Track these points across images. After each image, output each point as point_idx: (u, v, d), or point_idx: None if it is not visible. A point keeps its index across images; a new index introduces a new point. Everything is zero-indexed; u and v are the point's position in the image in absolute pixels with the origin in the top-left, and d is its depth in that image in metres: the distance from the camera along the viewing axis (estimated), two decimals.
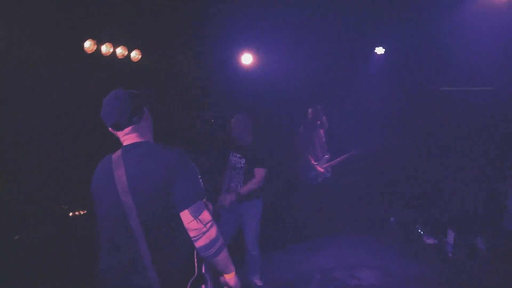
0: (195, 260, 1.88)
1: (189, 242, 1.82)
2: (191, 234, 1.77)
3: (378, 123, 6.79)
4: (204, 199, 1.87)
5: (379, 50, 6.60)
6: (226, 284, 1.94)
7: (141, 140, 1.94)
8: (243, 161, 4.06)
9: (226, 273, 1.92)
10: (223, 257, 1.83)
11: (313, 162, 5.87)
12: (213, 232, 1.78)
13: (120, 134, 1.96)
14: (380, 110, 6.84)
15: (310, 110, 5.98)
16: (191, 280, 1.82)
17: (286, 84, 6.69)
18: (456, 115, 6.52)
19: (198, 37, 5.84)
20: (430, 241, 5.75)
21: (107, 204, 1.87)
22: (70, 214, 4.21)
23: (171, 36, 5.51)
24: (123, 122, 1.90)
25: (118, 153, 1.93)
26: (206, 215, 1.78)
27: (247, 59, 6.45)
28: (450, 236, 5.44)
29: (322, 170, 5.94)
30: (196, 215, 1.75)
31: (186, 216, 1.76)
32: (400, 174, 7.01)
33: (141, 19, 4.98)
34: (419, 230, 6.02)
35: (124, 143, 1.95)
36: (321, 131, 6.08)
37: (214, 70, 6.36)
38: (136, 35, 5.13)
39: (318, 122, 5.99)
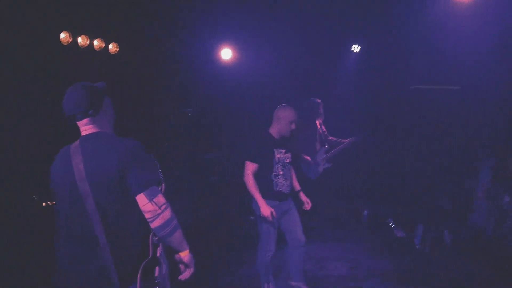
0: (150, 243, 1.97)
1: (144, 226, 1.92)
2: (147, 215, 1.87)
3: (352, 120, 6.94)
4: (160, 186, 1.98)
5: (355, 48, 6.75)
6: (181, 261, 2.04)
7: (100, 131, 2.05)
8: (289, 155, 3.89)
9: (181, 251, 2.03)
10: (178, 235, 1.94)
11: (308, 158, 5.67)
12: (167, 213, 1.89)
13: (79, 124, 2.06)
14: (354, 107, 6.99)
15: (307, 104, 5.83)
16: (144, 262, 1.91)
17: (265, 80, 6.79)
18: (427, 113, 6.72)
19: (177, 30, 5.90)
20: (400, 234, 5.93)
21: (64, 191, 1.96)
22: (43, 204, 4.24)
23: (150, 28, 5.55)
24: (80, 114, 2.01)
25: (77, 142, 2.03)
26: (160, 198, 1.90)
27: (226, 54, 6.53)
28: (419, 230, 5.62)
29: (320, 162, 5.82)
30: (151, 198, 1.87)
31: (141, 199, 1.87)
32: (375, 169, 7.19)
33: (119, 11, 5.01)
34: (391, 224, 6.20)
35: (82, 134, 2.06)
36: (317, 122, 5.92)
37: (193, 64, 6.42)
38: (113, 28, 5.15)
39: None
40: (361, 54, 6.76)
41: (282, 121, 3.83)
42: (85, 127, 2.04)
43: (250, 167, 3.69)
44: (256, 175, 3.70)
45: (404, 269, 4.80)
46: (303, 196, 4.05)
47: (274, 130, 3.89)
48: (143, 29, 5.47)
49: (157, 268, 1.98)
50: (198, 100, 6.64)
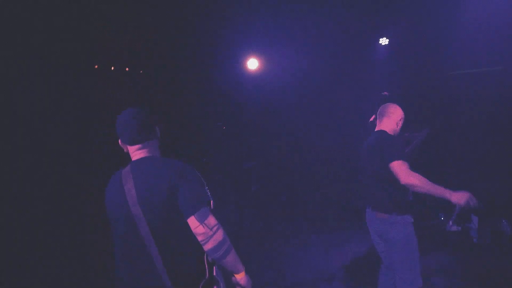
0: (206, 263, 1.96)
1: (199, 246, 1.90)
2: (199, 238, 1.86)
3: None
4: (210, 205, 1.96)
5: (383, 41, 6.56)
6: (237, 283, 2.01)
7: (150, 156, 2.08)
8: None
9: (236, 273, 1.99)
10: (231, 258, 1.91)
11: None
12: (219, 235, 1.87)
13: (131, 149, 2.09)
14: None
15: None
16: (202, 282, 1.90)
17: (293, 86, 6.71)
18: (470, 98, 6.41)
19: (204, 43, 5.91)
20: (454, 228, 5.64)
21: (119, 216, 1.98)
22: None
23: (176, 44, 5.59)
24: (138, 138, 2.05)
25: (127, 167, 2.05)
26: (211, 220, 1.87)
27: (253, 64, 6.50)
28: (474, 222, 5.33)
29: None
30: (202, 220, 1.85)
31: (192, 222, 1.86)
32: (423, 159, 6.91)
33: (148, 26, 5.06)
34: (441, 218, 5.92)
35: (133, 158, 2.09)
36: None
37: (221, 77, 6.43)
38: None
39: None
40: (390, 46, 6.57)
41: (393, 118, 3.22)
42: (137, 152, 2.08)
43: (405, 165, 2.81)
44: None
45: (469, 264, 4.54)
46: None
47: (388, 128, 3.21)
48: (170, 45, 5.51)
49: (215, 287, 1.97)
50: (228, 112, 6.64)
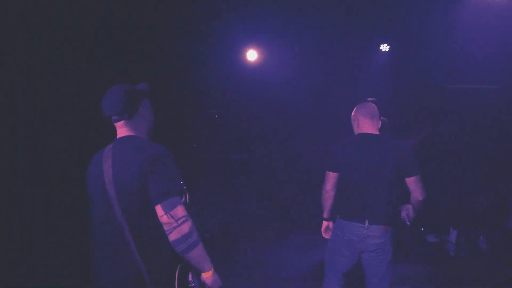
0: None
1: None
2: (164, 227, 1.81)
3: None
4: (183, 198, 1.91)
5: (384, 47, 6.57)
6: (204, 282, 1.95)
7: (133, 134, 2.01)
8: None
9: (202, 271, 1.92)
10: (196, 254, 1.84)
11: None
12: (185, 228, 1.80)
13: (116, 126, 2.04)
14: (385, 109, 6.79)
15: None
16: (178, 267, 1.88)
17: (290, 82, 6.68)
18: (460, 113, 6.48)
19: (201, 33, 5.86)
20: (431, 239, 5.73)
21: (97, 194, 1.93)
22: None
23: (174, 31, 5.54)
24: (116, 116, 2.00)
25: (110, 145, 2.00)
26: (179, 211, 1.81)
27: (252, 55, 6.47)
28: (453, 235, 5.41)
29: None
30: (167, 210, 1.79)
31: (158, 210, 1.81)
32: None
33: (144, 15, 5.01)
34: (421, 228, 6.00)
35: (118, 136, 2.03)
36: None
37: (218, 67, 6.39)
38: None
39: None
40: (391, 52, 6.58)
41: (377, 119, 3.09)
42: (120, 130, 2.03)
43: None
44: None
45: (440, 275, 4.62)
46: None
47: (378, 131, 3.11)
48: (169, 31, 5.45)
49: (190, 274, 1.94)
50: (223, 102, 6.61)
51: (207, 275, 1.92)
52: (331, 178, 3.00)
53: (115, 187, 1.84)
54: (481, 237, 5.28)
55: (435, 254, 5.28)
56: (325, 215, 3.17)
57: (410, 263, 4.95)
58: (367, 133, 2.98)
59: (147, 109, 2.10)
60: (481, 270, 4.72)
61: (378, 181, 2.82)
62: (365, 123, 3.01)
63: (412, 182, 2.80)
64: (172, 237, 1.79)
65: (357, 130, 3.07)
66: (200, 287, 1.99)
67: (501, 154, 6.20)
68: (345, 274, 3.11)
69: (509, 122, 6.20)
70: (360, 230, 2.85)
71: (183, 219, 1.81)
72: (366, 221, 2.83)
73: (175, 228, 1.78)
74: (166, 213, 1.78)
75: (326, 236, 3.25)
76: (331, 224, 3.20)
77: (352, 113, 3.14)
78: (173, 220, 1.78)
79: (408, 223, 2.93)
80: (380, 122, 3.10)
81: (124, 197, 1.83)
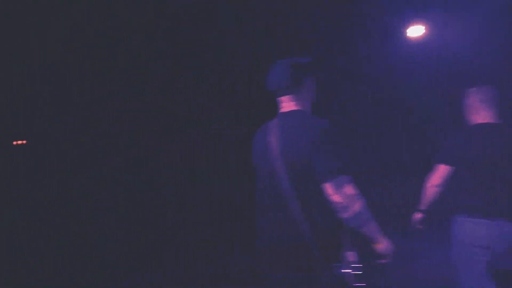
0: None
1: None
2: (335, 206, 1.78)
3: None
4: (348, 175, 1.83)
5: None
6: (376, 251, 1.94)
7: (297, 109, 2.02)
8: None
9: (373, 243, 1.92)
10: (367, 230, 1.85)
11: None
12: (357, 207, 1.78)
13: (279, 100, 2.07)
14: None
15: None
16: (342, 230, 1.87)
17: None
18: None
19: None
20: None
21: (262, 168, 2.01)
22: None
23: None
24: (281, 90, 2.02)
25: (274, 119, 2.05)
26: (348, 189, 1.78)
27: (416, 31, 5.27)
28: None
29: None
30: (337, 188, 1.76)
31: (328, 188, 1.78)
32: None
33: None
34: None
35: (281, 110, 2.06)
36: None
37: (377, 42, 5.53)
38: None
39: None
40: None
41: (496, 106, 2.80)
42: (285, 104, 2.04)
43: None
44: None
45: None
46: None
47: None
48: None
49: (353, 252, 1.90)
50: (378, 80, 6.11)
51: (380, 245, 1.91)
52: None
53: (283, 161, 1.86)
54: None
55: None
56: None
57: None
58: (489, 123, 2.72)
59: (311, 83, 2.10)
60: None
61: (504, 171, 2.60)
62: (478, 111, 2.76)
63: None
64: (344, 215, 1.78)
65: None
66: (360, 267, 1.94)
67: None
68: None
69: None
70: (500, 226, 2.58)
71: (354, 198, 1.78)
72: (502, 217, 2.59)
73: (346, 207, 1.76)
74: (337, 192, 1.76)
75: None
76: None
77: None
78: (345, 198, 1.76)
79: None
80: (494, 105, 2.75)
81: (292, 171, 1.84)
